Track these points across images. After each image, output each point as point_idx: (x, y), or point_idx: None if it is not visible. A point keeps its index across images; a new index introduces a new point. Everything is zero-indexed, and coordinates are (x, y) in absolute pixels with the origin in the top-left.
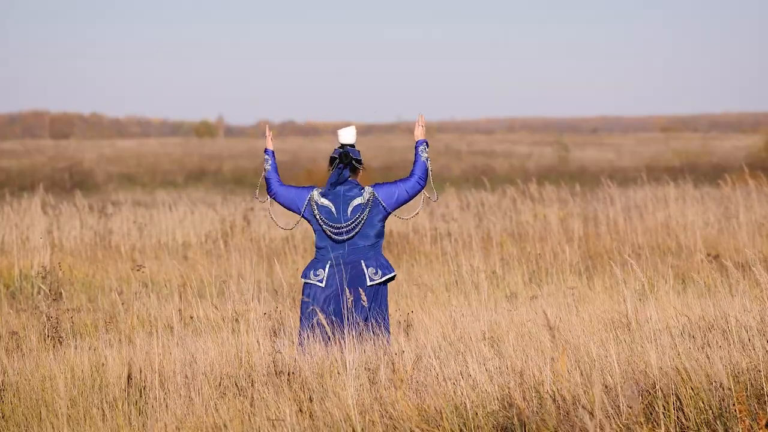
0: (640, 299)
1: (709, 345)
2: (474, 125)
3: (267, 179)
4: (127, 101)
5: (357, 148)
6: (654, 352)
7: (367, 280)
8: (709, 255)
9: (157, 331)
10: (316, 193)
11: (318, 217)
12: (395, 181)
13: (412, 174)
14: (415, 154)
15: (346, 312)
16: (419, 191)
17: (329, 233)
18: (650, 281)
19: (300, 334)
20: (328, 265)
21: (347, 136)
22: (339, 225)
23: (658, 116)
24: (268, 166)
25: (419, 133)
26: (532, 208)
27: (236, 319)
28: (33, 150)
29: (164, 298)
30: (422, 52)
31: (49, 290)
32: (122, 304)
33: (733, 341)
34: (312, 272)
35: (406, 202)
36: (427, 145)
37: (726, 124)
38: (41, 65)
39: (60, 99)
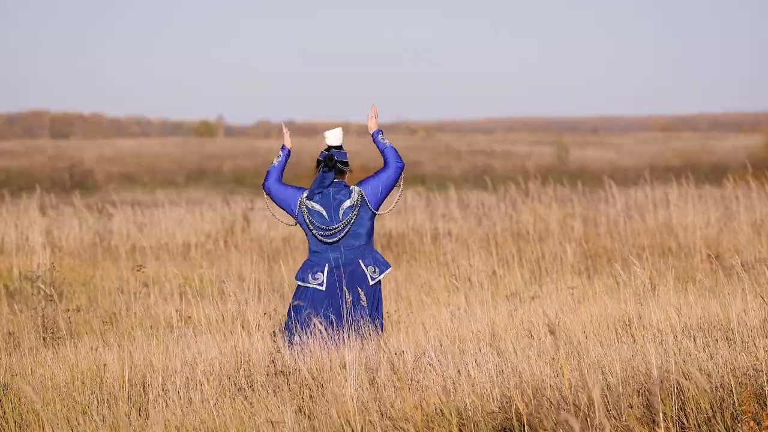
0: (641, 300)
1: (709, 345)
2: (474, 125)
3: (267, 172)
4: (127, 101)
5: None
6: (654, 352)
7: (369, 279)
8: (709, 255)
9: (157, 331)
10: (304, 197)
11: (308, 221)
12: (375, 174)
13: (387, 162)
14: (378, 144)
15: (345, 313)
16: (401, 173)
17: (320, 237)
18: (651, 281)
19: (290, 336)
20: (326, 269)
21: (333, 138)
22: (330, 228)
23: (658, 116)
24: (276, 162)
25: (373, 125)
26: (532, 208)
27: (236, 319)
28: (33, 150)
29: (164, 298)
30: (422, 52)
31: (48, 290)
32: (122, 304)
33: (734, 341)
34: (310, 275)
35: (389, 190)
36: (382, 132)
37: (726, 124)
38: (41, 65)
39: (60, 99)
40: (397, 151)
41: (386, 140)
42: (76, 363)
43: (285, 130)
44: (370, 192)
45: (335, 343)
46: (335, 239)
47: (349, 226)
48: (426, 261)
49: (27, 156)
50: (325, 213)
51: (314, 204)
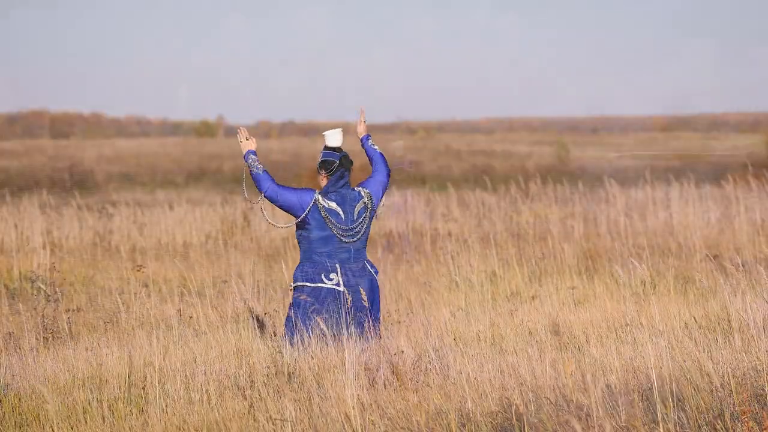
0: (641, 299)
1: (709, 345)
2: (474, 125)
3: (258, 178)
4: (127, 101)
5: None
6: (654, 352)
7: (377, 280)
8: (709, 255)
9: (157, 331)
10: (319, 196)
11: (327, 219)
12: (372, 177)
13: (378, 168)
14: (367, 149)
15: (363, 311)
16: (388, 179)
17: (340, 236)
18: (652, 280)
19: (291, 336)
20: (339, 269)
21: (334, 139)
22: (347, 227)
23: (658, 116)
24: (259, 166)
25: (363, 129)
26: (532, 208)
27: (236, 319)
28: (33, 150)
29: (164, 298)
30: (423, 52)
31: (48, 291)
32: (122, 304)
33: (734, 341)
34: (323, 276)
35: (384, 193)
36: (371, 138)
37: (726, 124)
38: (41, 65)
39: (60, 99)
40: (385, 158)
41: (375, 146)
42: (75, 363)
43: (249, 136)
44: (374, 193)
45: (351, 341)
46: (355, 239)
47: (365, 228)
48: (426, 261)
49: (27, 156)
50: (341, 212)
51: (331, 203)
